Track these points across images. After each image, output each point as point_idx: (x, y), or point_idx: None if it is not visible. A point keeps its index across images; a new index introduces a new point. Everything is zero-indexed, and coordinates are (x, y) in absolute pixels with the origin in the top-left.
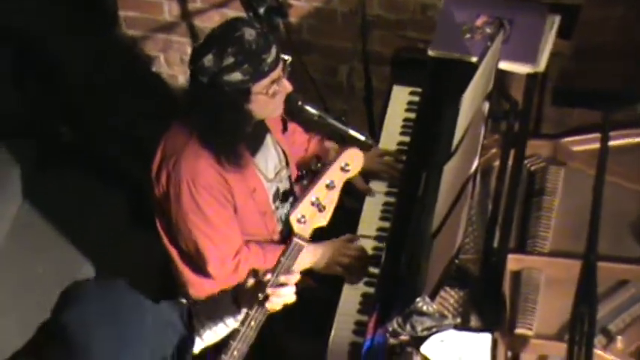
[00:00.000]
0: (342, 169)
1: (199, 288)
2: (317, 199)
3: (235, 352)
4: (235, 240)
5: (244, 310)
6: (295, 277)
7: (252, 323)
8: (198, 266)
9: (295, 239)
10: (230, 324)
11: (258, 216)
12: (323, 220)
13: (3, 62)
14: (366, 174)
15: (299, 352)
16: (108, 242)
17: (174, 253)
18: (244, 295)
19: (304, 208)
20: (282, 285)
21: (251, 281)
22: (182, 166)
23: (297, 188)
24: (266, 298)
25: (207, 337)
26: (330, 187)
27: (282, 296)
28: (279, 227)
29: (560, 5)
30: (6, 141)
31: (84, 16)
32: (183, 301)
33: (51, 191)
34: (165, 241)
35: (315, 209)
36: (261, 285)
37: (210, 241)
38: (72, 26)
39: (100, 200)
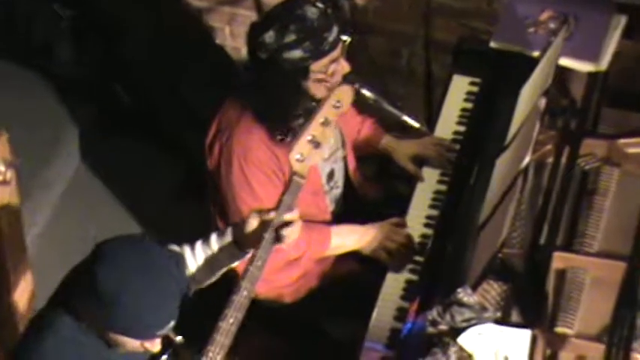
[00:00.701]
0: (334, 106)
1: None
2: (313, 136)
3: (245, 292)
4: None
5: (247, 252)
6: (296, 212)
7: (259, 263)
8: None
9: (295, 177)
10: (229, 264)
11: (309, 195)
12: (319, 156)
13: (65, 27)
14: (419, 159)
15: (339, 335)
16: (159, 209)
17: (222, 225)
18: (248, 237)
19: (302, 146)
20: (287, 224)
21: (254, 222)
22: (234, 141)
23: (356, 179)
24: (274, 237)
25: (202, 278)
26: (324, 124)
27: (290, 233)
28: (331, 208)
29: (628, 5)
30: (67, 104)
31: None
32: (175, 248)
33: (108, 155)
34: (215, 212)
35: (311, 146)
36: (265, 225)
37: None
38: None
39: (155, 167)
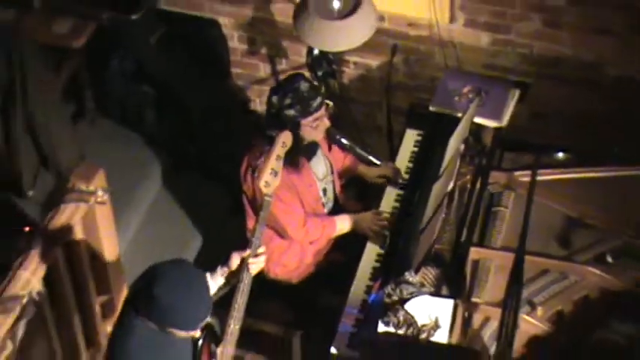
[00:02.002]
0: (282, 146)
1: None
2: (272, 168)
3: (236, 306)
4: (301, 214)
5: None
6: (263, 256)
7: (246, 285)
8: (281, 235)
9: (266, 197)
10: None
11: (313, 202)
12: (278, 181)
13: (150, 101)
14: (382, 178)
15: (329, 304)
16: (217, 222)
17: (252, 223)
18: (233, 272)
19: (266, 176)
20: (257, 256)
21: (237, 260)
22: (259, 167)
23: (341, 197)
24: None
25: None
26: (278, 158)
27: (258, 263)
28: (324, 210)
29: (519, 82)
30: (152, 152)
31: (204, 69)
32: None
33: (179, 186)
34: (252, 219)
35: (272, 175)
36: (243, 261)
37: (285, 215)
38: (195, 76)
39: (212, 194)
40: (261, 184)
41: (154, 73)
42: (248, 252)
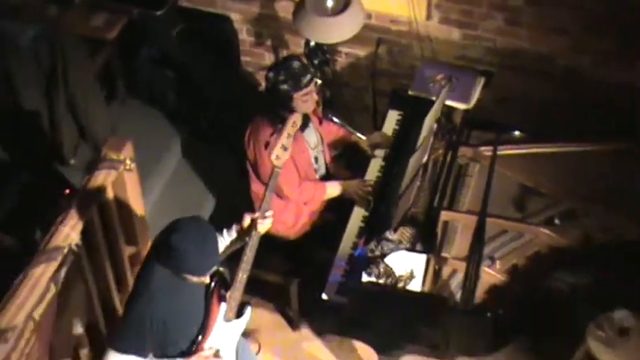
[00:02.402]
0: (292, 125)
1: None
2: (283, 144)
3: (245, 258)
4: (296, 177)
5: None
6: (270, 218)
7: (255, 241)
8: (279, 196)
9: (275, 169)
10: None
11: (306, 167)
12: (287, 155)
13: (172, 82)
14: (372, 147)
15: (320, 257)
16: (228, 185)
17: (261, 190)
18: (245, 231)
19: (277, 150)
20: (265, 218)
21: (247, 220)
22: (258, 132)
23: (332, 166)
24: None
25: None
26: (288, 136)
27: (265, 224)
28: (316, 176)
29: (485, 71)
30: (173, 126)
31: (217, 57)
32: None
33: (196, 155)
34: (255, 183)
35: (282, 150)
36: (253, 222)
37: (282, 177)
38: (210, 63)
39: (223, 161)
40: (273, 157)
41: (175, 60)
42: (257, 214)
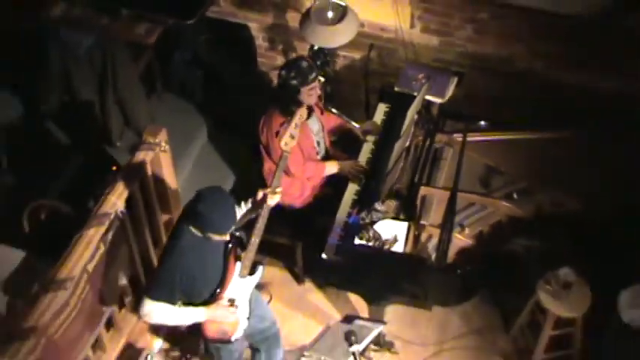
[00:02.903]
0: (300, 117)
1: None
2: (291, 133)
3: (258, 225)
4: (300, 157)
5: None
6: (279, 195)
7: (266, 211)
8: (287, 173)
9: (284, 154)
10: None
11: (310, 149)
12: (294, 142)
13: (199, 78)
14: (364, 134)
15: (321, 223)
16: (243, 164)
17: (272, 169)
18: (258, 203)
19: (286, 138)
20: (275, 193)
21: (260, 194)
22: (271, 126)
23: (331, 149)
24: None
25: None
26: (296, 126)
27: (275, 198)
28: (318, 157)
29: (457, 72)
30: (201, 114)
31: (238, 59)
32: None
33: (218, 139)
34: (267, 162)
35: (290, 138)
36: (264, 196)
37: (289, 158)
38: (232, 64)
39: (240, 144)
40: (282, 144)
41: (203, 62)
42: (269, 189)
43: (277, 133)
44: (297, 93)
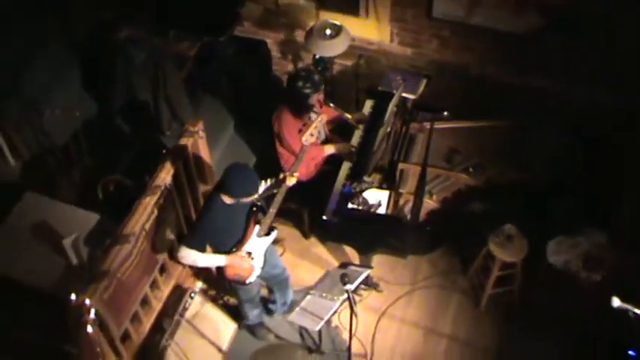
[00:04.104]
0: (320, 121)
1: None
2: (311, 132)
3: (277, 198)
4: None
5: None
6: (294, 178)
7: (284, 189)
8: (292, 153)
9: (304, 146)
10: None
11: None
12: (313, 139)
13: (227, 86)
14: (358, 123)
15: (322, 192)
16: (262, 149)
17: (284, 152)
18: (278, 182)
19: (307, 136)
20: (292, 176)
21: (281, 175)
22: (282, 119)
23: (329, 135)
24: (285, 180)
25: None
26: (316, 127)
27: (292, 179)
28: (319, 142)
29: (426, 75)
30: (228, 111)
31: (259, 67)
32: None
33: (242, 130)
34: (279, 147)
35: (310, 135)
36: (284, 176)
37: (294, 144)
38: (254, 71)
39: (260, 137)
40: (304, 139)
41: (232, 69)
42: (288, 173)
43: (300, 131)
44: (308, 98)
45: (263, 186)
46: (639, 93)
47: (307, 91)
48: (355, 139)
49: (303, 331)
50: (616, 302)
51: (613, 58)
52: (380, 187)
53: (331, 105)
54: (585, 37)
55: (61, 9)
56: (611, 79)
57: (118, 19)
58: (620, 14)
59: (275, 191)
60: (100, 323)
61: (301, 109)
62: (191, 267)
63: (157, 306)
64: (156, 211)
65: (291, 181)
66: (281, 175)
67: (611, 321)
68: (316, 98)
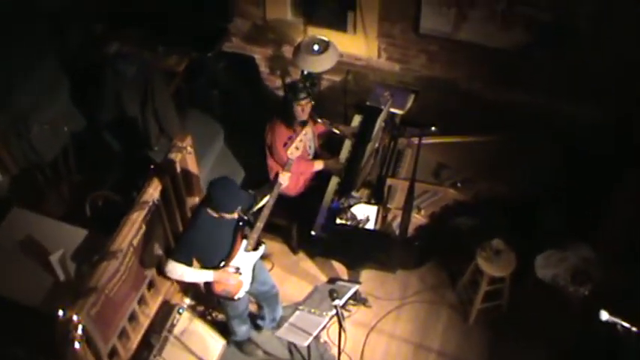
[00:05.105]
0: (304, 134)
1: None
2: (296, 146)
3: (271, 200)
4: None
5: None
6: (287, 179)
7: (276, 191)
8: (281, 165)
9: (289, 160)
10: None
11: (304, 152)
12: (299, 152)
13: (216, 99)
14: (349, 135)
15: (311, 207)
16: (254, 159)
17: (273, 165)
18: (271, 184)
19: (292, 150)
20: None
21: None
22: (274, 131)
23: (319, 150)
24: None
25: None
26: (301, 141)
27: (285, 178)
28: (309, 157)
29: (414, 90)
30: (218, 120)
31: (247, 82)
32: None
33: (233, 140)
34: (269, 160)
35: (295, 149)
36: (277, 181)
37: (285, 156)
38: (242, 86)
39: (252, 144)
40: (289, 153)
41: (220, 84)
42: (281, 171)
43: (285, 144)
44: (291, 108)
45: (251, 194)
46: (626, 107)
47: (289, 96)
48: (344, 154)
49: (291, 346)
50: (604, 315)
51: (600, 73)
52: (368, 203)
53: (319, 120)
54: (571, 52)
55: (53, 23)
56: (598, 93)
57: (108, 33)
58: (607, 28)
59: (268, 194)
60: (88, 339)
61: (288, 119)
62: (179, 283)
63: (145, 322)
64: (144, 227)
65: (284, 179)
66: (275, 178)
67: (599, 334)
68: (300, 108)
